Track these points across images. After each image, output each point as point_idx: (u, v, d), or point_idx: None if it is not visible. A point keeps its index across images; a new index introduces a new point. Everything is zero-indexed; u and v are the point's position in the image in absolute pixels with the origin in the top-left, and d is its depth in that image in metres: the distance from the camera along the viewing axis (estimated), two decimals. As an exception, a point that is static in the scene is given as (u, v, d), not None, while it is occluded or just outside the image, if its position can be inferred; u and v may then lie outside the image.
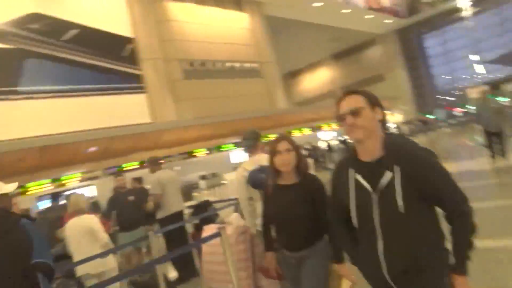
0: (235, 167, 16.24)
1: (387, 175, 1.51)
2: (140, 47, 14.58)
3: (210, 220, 4.42)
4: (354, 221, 1.64)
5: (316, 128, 20.42)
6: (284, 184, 2.28)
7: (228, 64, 17.29)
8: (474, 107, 9.89)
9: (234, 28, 18.23)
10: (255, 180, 2.66)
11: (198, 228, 4.50)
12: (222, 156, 15.09)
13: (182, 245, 3.93)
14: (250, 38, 18.91)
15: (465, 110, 25.77)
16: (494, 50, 29.14)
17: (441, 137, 19.55)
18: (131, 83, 14.07)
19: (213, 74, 16.64)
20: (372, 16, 26.61)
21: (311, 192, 2.24)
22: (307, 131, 18.77)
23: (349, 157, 1.67)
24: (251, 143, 2.98)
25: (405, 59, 32.22)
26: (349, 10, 24.49)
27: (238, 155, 15.18)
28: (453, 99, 31.18)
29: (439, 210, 1.55)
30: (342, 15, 24.64)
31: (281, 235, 2.35)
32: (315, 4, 21.94)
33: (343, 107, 1.58)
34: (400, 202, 1.48)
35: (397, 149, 1.55)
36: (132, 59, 14.35)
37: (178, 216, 4.34)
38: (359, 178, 1.59)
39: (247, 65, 18.21)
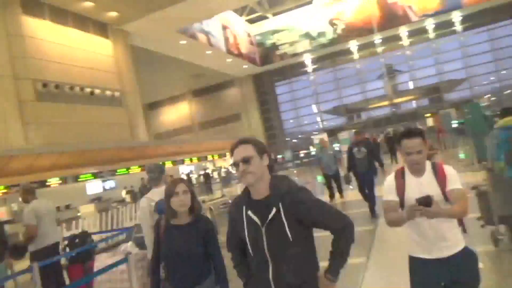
0: (92, 198, 15.23)
1: (273, 211, 1.78)
2: (-15, 61, 12.88)
3: (89, 251, 4.30)
4: (250, 250, 1.88)
5: (179, 162, 20.62)
6: (177, 225, 2.40)
7: (87, 90, 16.44)
8: (316, 152, 11.50)
9: (96, 53, 17.57)
10: (163, 208, 2.91)
11: (73, 261, 4.33)
12: (78, 187, 14.02)
13: (58, 279, 3.76)
14: (113, 66, 18.42)
15: (308, 152, 29.49)
16: (330, 102, 34.42)
17: (290, 175, 21.80)
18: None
19: (70, 98, 15.60)
20: (231, 59, 28.65)
21: (204, 231, 2.39)
22: (168, 164, 18.81)
23: (243, 196, 1.93)
24: (156, 175, 3.20)
25: (259, 102, 35.23)
26: (211, 52, 25.96)
27: (96, 186, 14.33)
28: (297, 141, 35.29)
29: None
30: (205, 55, 25.96)
31: (173, 274, 2.41)
32: (181, 42, 22.69)
33: (236, 155, 1.84)
34: (287, 231, 1.77)
35: (281, 188, 1.84)
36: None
37: (54, 248, 4.11)
38: (250, 213, 1.85)
39: (108, 92, 17.59)
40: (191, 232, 2.38)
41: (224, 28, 27.40)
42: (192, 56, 25.51)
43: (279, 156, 29.92)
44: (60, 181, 13.05)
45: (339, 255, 1.84)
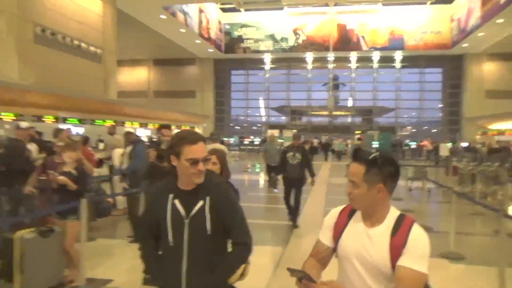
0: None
1: (199, 203, 1.79)
2: (-3, -3, 14.19)
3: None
4: (170, 239, 1.82)
5: (143, 125, 22.66)
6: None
7: (75, 42, 17.99)
8: (264, 143, 13.04)
9: (88, 10, 19.04)
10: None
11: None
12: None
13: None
14: (100, 24, 19.96)
15: (252, 141, 32.80)
16: (278, 101, 38.00)
17: (233, 159, 24.65)
18: (-21, 29, 13.56)
19: (60, 46, 17.08)
20: (199, 41, 30.83)
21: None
22: (135, 125, 20.79)
23: (170, 183, 1.88)
24: (214, 137, 6.03)
25: (215, 85, 37.68)
26: (185, 31, 28.00)
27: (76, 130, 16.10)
28: (240, 129, 38.49)
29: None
30: (179, 32, 27.94)
31: None
32: (162, 16, 24.56)
33: (199, 152, 1.78)
34: (208, 226, 1.78)
35: (209, 182, 1.85)
36: (-14, 5, 13.85)
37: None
38: (177, 203, 1.82)
39: (92, 48, 19.20)
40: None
41: (201, 12, 29.48)
42: (166, 31, 27.36)
43: (225, 139, 32.86)
44: (54, 120, 14.81)
45: (226, 269, 1.84)
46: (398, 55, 33.84)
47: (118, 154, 6.01)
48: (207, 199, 1.80)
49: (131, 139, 5.30)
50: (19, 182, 4.50)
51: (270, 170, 10.49)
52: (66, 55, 17.35)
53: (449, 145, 17.68)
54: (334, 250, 1.63)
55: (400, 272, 1.42)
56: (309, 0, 30.27)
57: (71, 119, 16.02)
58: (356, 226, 1.57)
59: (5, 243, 3.26)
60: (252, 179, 15.49)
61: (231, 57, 35.79)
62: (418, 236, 1.46)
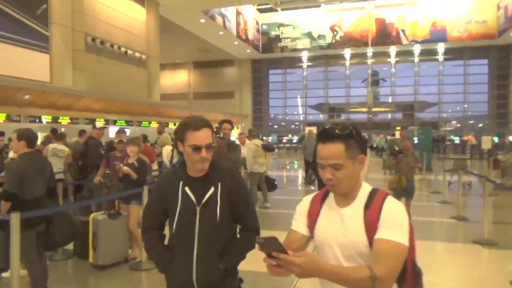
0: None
1: (211, 190, 1.77)
2: (53, 11, 15.42)
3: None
4: (179, 227, 1.80)
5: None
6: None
7: (123, 49, 19.12)
8: (303, 140, 13.42)
9: (133, 19, 20.16)
10: (269, 146, 6.18)
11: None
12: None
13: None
14: (144, 32, 21.06)
15: (290, 139, 33.11)
16: (316, 99, 38.02)
17: (272, 156, 25.03)
18: (38, 41, 14.83)
19: (109, 54, 18.25)
20: (237, 43, 31.51)
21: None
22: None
23: (179, 171, 1.85)
24: (254, 133, 6.49)
25: (253, 85, 38.29)
26: (223, 33, 28.75)
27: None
28: (277, 127, 38.90)
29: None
30: (218, 35, 28.75)
31: None
32: (201, 20, 25.41)
33: (202, 139, 1.74)
34: (218, 213, 1.76)
35: (220, 167, 1.84)
36: (44, 19, 15.12)
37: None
38: (187, 190, 1.80)
39: (137, 54, 20.29)
40: None
41: (238, 13, 30.13)
42: (206, 34, 28.21)
43: (264, 137, 33.39)
44: (105, 122, 15.96)
45: (239, 252, 1.86)
46: (441, 47, 32.88)
47: (167, 151, 6.59)
48: (219, 185, 1.79)
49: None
50: (92, 174, 5.17)
51: (308, 166, 10.75)
52: (114, 62, 18.50)
53: (495, 139, 17.15)
54: (310, 238, 1.51)
55: (377, 245, 1.30)
56: (346, -4, 30.17)
57: (119, 121, 17.07)
58: (330, 210, 1.45)
59: (81, 225, 3.86)
60: (291, 175, 15.89)
61: (269, 56, 36.24)
62: (392, 208, 1.35)
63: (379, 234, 1.31)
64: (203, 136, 1.74)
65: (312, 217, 1.49)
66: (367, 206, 1.38)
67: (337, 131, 1.37)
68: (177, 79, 39.05)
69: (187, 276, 1.79)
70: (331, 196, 1.48)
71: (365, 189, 1.44)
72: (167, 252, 1.88)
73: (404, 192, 6.46)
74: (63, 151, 5.74)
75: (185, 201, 1.79)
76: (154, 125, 19.35)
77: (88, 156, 5.49)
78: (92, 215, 4.19)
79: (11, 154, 5.15)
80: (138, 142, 4.39)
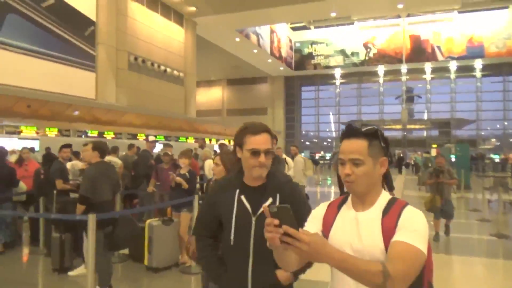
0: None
1: (269, 200, 1.72)
2: (99, 32, 16.45)
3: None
4: (231, 238, 1.74)
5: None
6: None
7: (162, 67, 19.98)
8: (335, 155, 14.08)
9: (172, 38, 21.08)
10: (316, 160, 6.44)
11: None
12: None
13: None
14: (182, 50, 21.93)
15: (322, 156, 33.12)
16: (349, 115, 37.87)
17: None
18: (86, 60, 15.83)
19: (149, 72, 19.13)
20: (271, 60, 32.09)
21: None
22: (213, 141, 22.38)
23: (235, 179, 1.82)
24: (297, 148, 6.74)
25: (285, 101, 38.68)
26: (257, 51, 29.40)
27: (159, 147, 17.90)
28: (309, 144, 38.90)
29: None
30: (252, 53, 29.43)
31: None
32: (236, 39, 26.16)
33: (261, 143, 1.73)
34: None
35: (278, 179, 1.81)
36: (91, 40, 16.14)
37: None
38: (243, 199, 1.75)
39: (175, 72, 21.13)
40: None
41: (272, 32, 30.79)
42: (240, 52, 28.95)
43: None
44: (145, 137, 16.69)
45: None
46: (478, 63, 32.19)
47: (208, 165, 6.94)
48: (277, 196, 1.74)
49: (224, 150, 6.26)
50: (143, 184, 5.58)
51: (341, 182, 11.16)
52: (153, 79, 19.35)
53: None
54: None
55: (392, 247, 1.23)
56: (380, 13, 30.14)
57: (158, 136, 17.75)
58: (346, 215, 1.40)
59: (133, 231, 4.21)
60: (324, 190, 15.99)
61: (301, 73, 36.60)
62: (411, 215, 1.29)
63: (396, 237, 1.25)
64: (262, 141, 1.73)
65: (328, 222, 1.43)
66: (385, 212, 1.33)
67: (363, 129, 1.39)
68: (211, 96, 39.98)
69: (242, 287, 1.76)
70: (348, 201, 1.44)
71: (384, 197, 1.38)
72: (220, 262, 1.84)
73: (442, 212, 6.46)
74: (117, 163, 6.20)
75: (240, 210, 1.75)
76: (191, 140, 19.96)
77: (140, 166, 5.91)
78: (148, 221, 4.55)
79: (69, 166, 5.62)
80: (189, 155, 4.75)
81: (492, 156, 30.19)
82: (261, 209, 1.66)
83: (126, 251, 4.81)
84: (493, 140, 33.00)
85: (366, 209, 1.37)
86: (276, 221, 1.12)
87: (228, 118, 38.45)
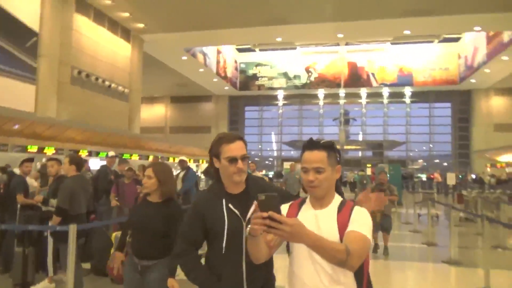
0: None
1: (254, 204, 1.63)
2: (42, 44, 15.91)
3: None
4: (223, 245, 1.83)
5: (164, 158, 23.96)
6: (150, 201, 2.69)
7: (107, 82, 19.62)
8: (284, 174, 14.39)
9: (118, 54, 20.82)
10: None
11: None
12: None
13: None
14: (127, 66, 21.68)
15: (266, 174, 33.81)
16: (290, 136, 39.25)
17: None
18: (26, 72, 15.19)
19: (93, 86, 18.69)
20: (216, 80, 32.61)
21: (168, 214, 2.61)
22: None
23: (218, 189, 1.92)
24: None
25: (229, 121, 39.24)
26: (203, 70, 29.80)
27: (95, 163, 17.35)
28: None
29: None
30: (198, 72, 29.76)
31: (136, 242, 2.67)
32: (183, 58, 26.38)
33: (237, 150, 1.86)
34: None
35: (257, 182, 1.96)
36: (33, 51, 15.56)
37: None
38: (231, 207, 1.85)
39: (120, 88, 20.81)
40: (157, 210, 2.63)
41: (218, 52, 31.43)
42: (186, 70, 29.16)
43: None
44: (88, 154, 16.15)
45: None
46: (408, 91, 35.15)
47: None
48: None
49: (184, 165, 6.46)
50: (102, 199, 5.63)
51: (290, 199, 11.41)
52: (98, 94, 18.91)
53: (459, 176, 18.56)
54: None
55: (348, 235, 1.53)
56: (321, 40, 32.01)
57: (101, 153, 17.31)
58: (307, 212, 1.65)
59: (106, 243, 4.30)
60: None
61: (246, 93, 37.47)
62: (360, 212, 1.61)
63: (350, 228, 1.55)
64: (237, 148, 1.87)
65: (291, 217, 1.52)
66: (339, 210, 1.62)
67: (322, 142, 1.68)
68: (154, 113, 39.43)
69: None
70: (307, 202, 1.69)
71: (337, 198, 1.68)
72: (209, 272, 1.88)
73: (380, 226, 7.05)
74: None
75: (231, 218, 1.83)
76: (135, 157, 19.64)
77: (100, 182, 5.94)
78: (113, 233, 4.62)
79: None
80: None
81: (419, 175, 32.79)
82: (250, 213, 1.77)
83: (87, 265, 4.82)
84: (420, 160, 35.92)
85: (323, 208, 1.64)
86: (265, 214, 1.29)
87: (171, 136, 38.09)
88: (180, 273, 2.12)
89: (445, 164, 35.77)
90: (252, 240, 1.50)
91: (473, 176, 21.84)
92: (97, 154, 17.12)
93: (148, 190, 2.67)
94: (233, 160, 1.84)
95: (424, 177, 31.50)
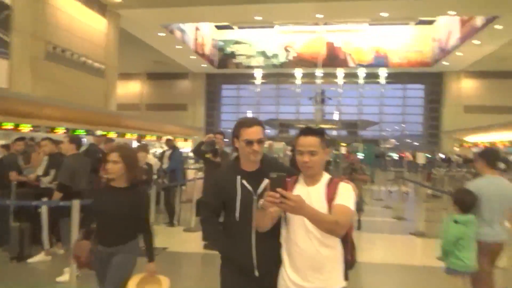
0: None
1: (265, 181, 1.94)
2: (15, 17, 15.38)
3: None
4: (237, 215, 2.10)
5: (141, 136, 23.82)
6: (114, 186, 2.65)
7: (82, 58, 19.25)
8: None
9: (94, 29, 20.36)
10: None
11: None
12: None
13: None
14: (103, 42, 21.25)
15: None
16: (267, 114, 39.51)
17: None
18: (-1, 47, 14.74)
19: (68, 63, 18.30)
20: (194, 57, 32.30)
21: (135, 199, 2.61)
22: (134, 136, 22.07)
23: (233, 166, 2.20)
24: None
25: (206, 99, 39.07)
26: (181, 47, 29.44)
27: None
28: (228, 141, 39.75)
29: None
30: (175, 48, 29.37)
31: (101, 229, 2.64)
32: (160, 34, 25.97)
33: (253, 134, 2.10)
34: None
35: (271, 163, 2.21)
36: (4, 25, 15.06)
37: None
38: (245, 182, 2.11)
39: (96, 64, 20.46)
40: (123, 196, 2.58)
41: (196, 29, 31.03)
42: (163, 47, 28.73)
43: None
44: (65, 131, 15.94)
45: None
46: (383, 72, 35.84)
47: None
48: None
49: (171, 144, 6.67)
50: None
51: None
52: (73, 71, 18.55)
53: (427, 155, 19.42)
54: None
55: (335, 207, 1.86)
56: (300, 20, 32.02)
57: (77, 131, 17.14)
58: (301, 189, 1.96)
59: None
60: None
61: (223, 72, 37.27)
62: (345, 186, 1.93)
63: (336, 201, 1.88)
64: (254, 132, 2.12)
65: None
66: (328, 185, 1.95)
67: (315, 129, 2.03)
68: (130, 90, 38.70)
69: (247, 258, 2.08)
70: (301, 180, 2.01)
71: (325, 176, 2.02)
72: (226, 237, 2.17)
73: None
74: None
75: (244, 192, 2.11)
76: (112, 135, 19.50)
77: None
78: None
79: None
80: (147, 149, 5.16)
81: (391, 154, 33.91)
82: (261, 189, 2.07)
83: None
84: (392, 140, 37.06)
85: (315, 185, 1.98)
86: (278, 194, 1.64)
87: (147, 113, 37.66)
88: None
89: (416, 144, 37.04)
90: (261, 212, 1.86)
91: (441, 155, 22.86)
92: (73, 131, 16.91)
93: (114, 175, 2.60)
94: (249, 142, 2.11)
95: (395, 156, 32.61)
